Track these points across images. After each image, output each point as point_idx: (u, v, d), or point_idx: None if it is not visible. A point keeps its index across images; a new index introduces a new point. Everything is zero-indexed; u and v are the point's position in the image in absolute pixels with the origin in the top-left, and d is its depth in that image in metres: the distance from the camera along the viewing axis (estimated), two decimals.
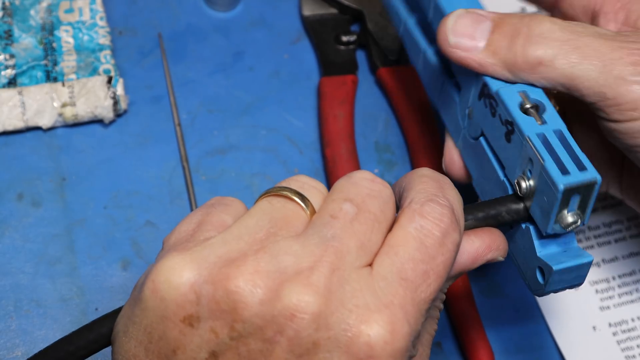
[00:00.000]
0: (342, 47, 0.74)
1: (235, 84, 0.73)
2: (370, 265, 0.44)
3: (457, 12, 0.54)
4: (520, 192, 0.51)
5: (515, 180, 0.52)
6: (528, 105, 0.52)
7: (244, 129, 0.71)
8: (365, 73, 0.74)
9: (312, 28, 0.74)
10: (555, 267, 0.51)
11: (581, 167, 0.50)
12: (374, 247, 0.45)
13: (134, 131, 0.70)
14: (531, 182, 0.51)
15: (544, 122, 0.51)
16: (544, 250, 0.52)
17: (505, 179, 0.53)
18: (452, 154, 0.59)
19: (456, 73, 0.58)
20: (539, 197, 0.51)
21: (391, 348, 0.42)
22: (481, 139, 0.56)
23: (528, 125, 0.51)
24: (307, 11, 0.75)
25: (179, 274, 0.43)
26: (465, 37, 0.53)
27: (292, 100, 0.72)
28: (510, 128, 0.52)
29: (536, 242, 0.52)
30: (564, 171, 0.49)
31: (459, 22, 0.53)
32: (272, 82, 0.73)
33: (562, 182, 0.49)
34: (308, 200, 0.46)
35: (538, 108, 0.52)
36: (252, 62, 0.74)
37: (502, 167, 0.54)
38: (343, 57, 0.73)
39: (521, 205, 0.52)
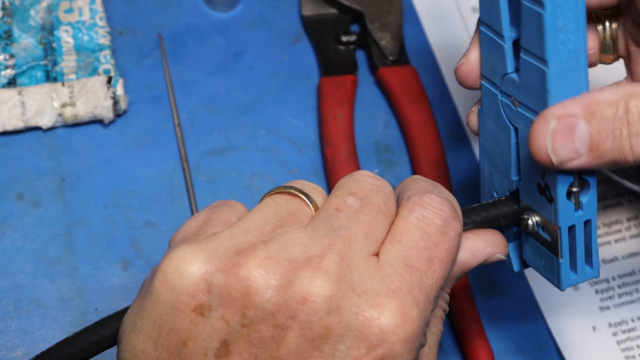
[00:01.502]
0: (342, 47, 0.74)
1: (235, 84, 0.73)
2: (377, 255, 0.45)
3: (551, 125, 0.47)
4: (521, 227, 0.52)
5: (525, 216, 0.52)
6: (575, 189, 0.50)
7: (243, 129, 0.71)
8: (365, 73, 0.74)
9: (312, 28, 0.74)
10: (515, 270, 0.55)
11: (589, 263, 0.51)
12: (380, 236, 0.46)
13: (133, 131, 0.70)
14: (537, 229, 0.52)
15: (579, 208, 0.50)
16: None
17: (516, 181, 0.53)
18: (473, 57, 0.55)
19: (522, 72, 0.50)
20: (537, 253, 0.52)
21: (402, 332, 0.43)
22: (512, 129, 0.52)
23: (565, 213, 0.50)
24: (307, 11, 0.75)
25: (190, 264, 0.44)
26: (566, 151, 0.48)
27: (292, 100, 0.72)
28: (548, 195, 0.50)
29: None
30: (573, 269, 0.51)
31: (557, 138, 0.47)
32: (271, 82, 0.73)
33: (565, 285, 0.51)
34: (312, 198, 0.47)
35: (582, 187, 0.50)
36: (252, 62, 0.73)
37: (519, 174, 0.53)
38: (343, 57, 0.73)
39: (516, 209, 0.52)
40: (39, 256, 0.65)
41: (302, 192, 0.47)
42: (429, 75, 0.74)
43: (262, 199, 0.47)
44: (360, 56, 0.75)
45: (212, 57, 0.73)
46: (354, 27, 0.75)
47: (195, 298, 0.43)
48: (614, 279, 0.68)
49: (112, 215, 0.67)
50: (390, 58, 0.73)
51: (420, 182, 0.49)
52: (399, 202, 0.48)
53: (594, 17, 0.57)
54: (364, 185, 0.47)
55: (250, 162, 0.69)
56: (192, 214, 0.67)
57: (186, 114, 0.71)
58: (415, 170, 0.69)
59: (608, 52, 0.57)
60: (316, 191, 0.48)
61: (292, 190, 0.47)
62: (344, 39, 0.74)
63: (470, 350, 0.64)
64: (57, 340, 0.62)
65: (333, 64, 0.73)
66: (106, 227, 0.66)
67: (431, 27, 0.76)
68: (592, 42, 0.56)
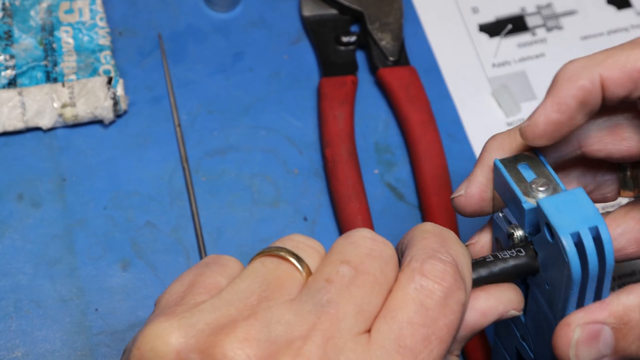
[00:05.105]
0: (342, 48, 0.74)
1: (235, 85, 0.73)
2: (369, 330, 0.42)
3: (576, 335, 0.46)
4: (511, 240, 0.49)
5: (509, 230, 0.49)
6: None
7: (243, 130, 0.71)
8: (365, 74, 0.74)
9: (312, 29, 0.74)
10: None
11: None
12: (373, 311, 0.42)
13: (134, 132, 0.70)
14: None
15: None
16: None
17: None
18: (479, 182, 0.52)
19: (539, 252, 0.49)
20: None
21: None
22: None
23: None
24: (307, 12, 0.75)
25: (165, 342, 0.41)
26: (591, 356, 0.46)
27: (292, 100, 0.72)
28: None
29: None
30: None
31: (581, 347, 0.46)
32: (272, 82, 0.73)
33: None
34: (303, 261, 0.44)
35: None
36: (252, 63, 0.74)
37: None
38: (343, 58, 0.73)
39: (533, 263, 0.49)
40: (39, 257, 0.65)
41: (294, 255, 0.44)
42: (429, 75, 0.74)
43: (251, 260, 0.45)
44: (361, 57, 0.75)
45: (212, 57, 0.73)
46: (354, 28, 0.75)
47: None
48: (614, 279, 0.68)
49: (112, 215, 0.67)
50: (391, 59, 0.73)
51: (427, 239, 0.45)
52: (401, 259, 0.45)
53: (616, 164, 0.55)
54: (361, 250, 0.43)
55: (250, 162, 0.69)
56: (192, 214, 0.67)
57: (186, 114, 0.71)
58: (415, 171, 0.69)
59: (628, 188, 0.55)
60: (312, 250, 0.44)
61: (283, 254, 0.44)
62: (344, 39, 0.74)
63: (470, 351, 0.64)
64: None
65: (333, 64, 0.73)
66: (106, 228, 0.66)
67: (431, 27, 0.76)
68: (612, 184, 0.54)
